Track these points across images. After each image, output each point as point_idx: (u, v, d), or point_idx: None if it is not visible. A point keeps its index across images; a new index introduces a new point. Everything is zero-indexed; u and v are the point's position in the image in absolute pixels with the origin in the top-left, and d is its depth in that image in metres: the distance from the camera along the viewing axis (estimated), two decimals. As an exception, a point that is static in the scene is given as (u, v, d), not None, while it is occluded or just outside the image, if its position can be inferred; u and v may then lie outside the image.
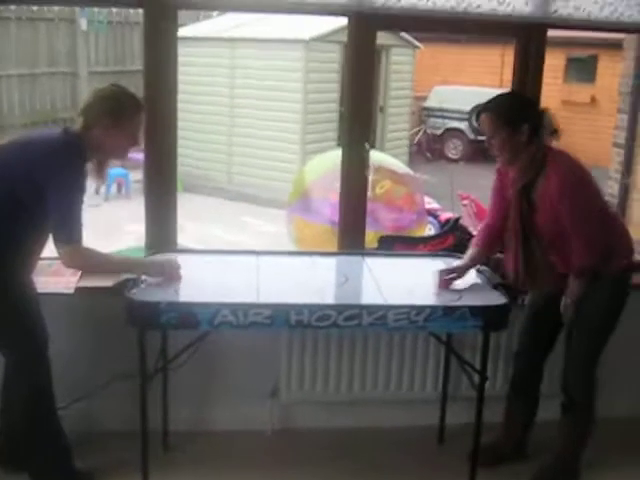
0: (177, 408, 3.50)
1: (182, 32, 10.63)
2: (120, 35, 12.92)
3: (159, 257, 3.19)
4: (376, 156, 9.03)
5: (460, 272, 3.20)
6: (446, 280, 3.13)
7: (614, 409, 3.68)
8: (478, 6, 3.45)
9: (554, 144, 3.10)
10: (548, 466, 3.35)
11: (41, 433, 3.01)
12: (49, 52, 12.23)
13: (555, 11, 3.50)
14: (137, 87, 3.29)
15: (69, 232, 2.77)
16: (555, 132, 3.10)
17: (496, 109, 3.04)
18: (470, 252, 3.31)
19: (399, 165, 8.58)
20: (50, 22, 11.97)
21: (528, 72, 3.63)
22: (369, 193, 3.54)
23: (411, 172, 8.40)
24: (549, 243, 3.20)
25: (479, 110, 3.11)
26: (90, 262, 2.93)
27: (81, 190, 2.81)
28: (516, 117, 3.01)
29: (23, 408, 2.96)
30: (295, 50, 10.43)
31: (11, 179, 2.77)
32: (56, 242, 2.80)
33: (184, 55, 9.41)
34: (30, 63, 11.90)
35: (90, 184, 2.94)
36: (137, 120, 2.94)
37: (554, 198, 2.98)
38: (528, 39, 3.59)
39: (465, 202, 8.17)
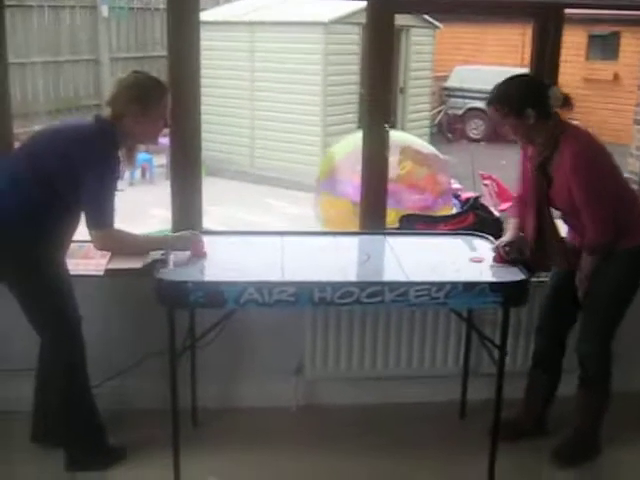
0: (205, 385, 3.59)
1: (202, 16, 10.71)
2: (141, 21, 12.99)
3: (183, 232, 3.24)
4: (401, 136, 9.09)
5: (516, 245, 3.23)
6: (500, 256, 3.17)
7: (631, 383, 3.73)
8: (495, -13, 3.49)
9: (573, 119, 3.14)
10: (568, 440, 3.41)
11: (75, 410, 3.11)
12: (71, 39, 12.32)
13: (571, -10, 3.53)
14: (159, 72, 3.36)
15: (102, 217, 2.87)
16: (565, 103, 3.11)
17: (497, 100, 3.08)
18: (512, 224, 3.36)
19: (424, 145, 8.61)
20: (72, 9, 12.06)
21: (546, 52, 3.65)
22: (391, 174, 3.59)
23: (436, 152, 8.43)
24: (564, 218, 3.26)
25: (486, 103, 3.16)
26: (121, 244, 3.06)
27: (115, 177, 2.90)
28: (518, 104, 3.04)
29: (58, 386, 3.07)
30: (314, 32, 10.44)
31: (45, 167, 2.86)
32: (89, 226, 2.89)
33: (205, 39, 9.49)
34: (53, 51, 12.01)
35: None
36: (164, 103, 2.99)
37: (567, 173, 3.02)
38: (546, 19, 3.60)
39: (486, 182, 8.20)
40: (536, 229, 3.19)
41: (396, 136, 8.76)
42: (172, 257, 3.08)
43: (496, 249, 3.20)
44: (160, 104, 2.97)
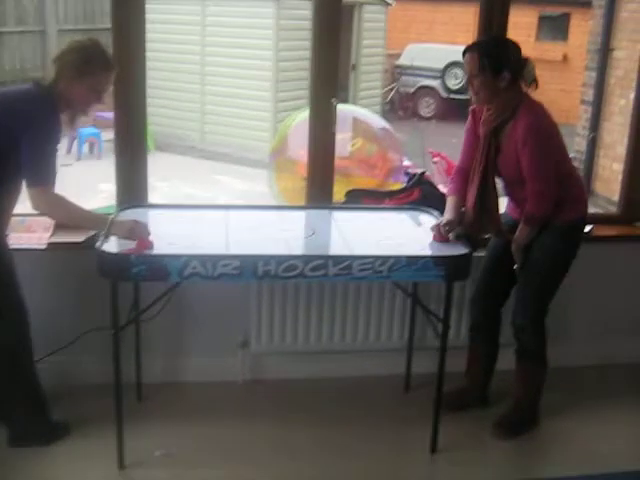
0: (150, 360, 3.58)
1: (152, -11, 10.57)
2: (89, -8, 12.75)
3: (130, 217, 3.12)
4: (353, 109, 9.11)
5: (455, 225, 3.24)
6: (440, 234, 3.18)
7: (565, 358, 3.81)
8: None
9: (531, 94, 3.18)
10: (508, 412, 3.48)
11: (19, 385, 3.08)
12: (17, 10, 12.04)
13: (519, -32, 3.55)
14: (107, 45, 3.29)
15: (41, 174, 2.80)
16: (533, 82, 3.17)
17: (482, 50, 3.10)
18: (451, 202, 3.35)
19: (377, 119, 8.64)
20: (18, -20, 11.78)
21: (492, 31, 3.68)
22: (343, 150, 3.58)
23: (388, 126, 8.48)
24: (508, 187, 3.31)
25: (466, 48, 3.18)
26: (58, 207, 2.92)
27: (54, 139, 2.85)
28: (499, 62, 3.08)
29: (2, 361, 3.02)
30: (266, 7, 10.37)
31: None
32: (28, 185, 2.81)
33: (156, 12, 9.42)
34: (-2, 22, 11.74)
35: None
36: (103, 78, 2.91)
37: (518, 142, 3.08)
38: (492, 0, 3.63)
39: (436, 159, 8.25)
40: (478, 197, 3.22)
41: (349, 109, 8.83)
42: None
43: (436, 228, 3.22)
44: (97, 76, 2.89)
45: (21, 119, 2.79)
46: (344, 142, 7.58)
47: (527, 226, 3.19)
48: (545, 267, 3.26)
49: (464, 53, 3.16)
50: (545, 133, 3.10)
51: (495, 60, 3.07)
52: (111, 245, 2.91)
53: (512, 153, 3.13)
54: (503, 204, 3.40)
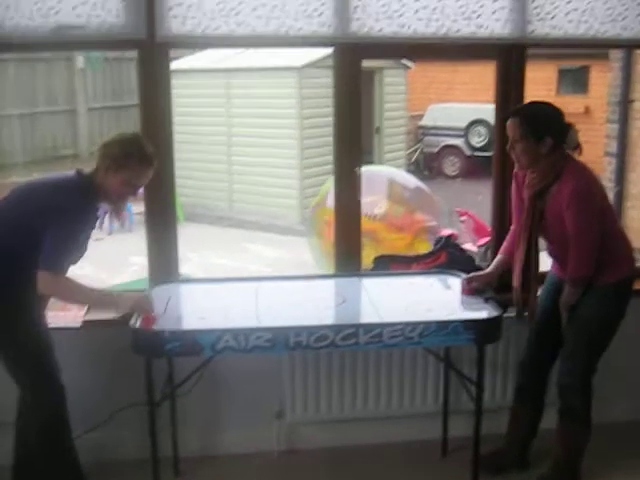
0: (186, 434, 3.59)
1: (178, 64, 10.86)
2: (117, 70, 13.14)
3: (132, 293, 3.23)
4: (387, 170, 9.23)
5: (484, 279, 3.36)
6: (470, 287, 3.30)
7: (611, 415, 3.78)
8: (458, 30, 3.57)
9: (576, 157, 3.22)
10: (548, 474, 3.42)
11: (58, 462, 3.10)
12: (48, 91, 12.42)
13: (532, 31, 3.62)
14: (135, 121, 3.40)
15: (51, 260, 2.84)
16: (577, 147, 3.21)
17: (524, 116, 3.15)
18: (495, 260, 3.46)
19: (411, 179, 8.74)
20: (47, 61, 12.17)
21: (510, 91, 3.74)
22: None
23: (423, 186, 8.58)
24: (552, 248, 3.34)
25: (508, 113, 3.25)
26: (63, 290, 2.96)
27: (80, 228, 2.92)
28: (541, 128, 3.12)
29: (41, 439, 3.05)
30: (289, 77, 10.59)
31: (23, 215, 2.90)
32: (40, 266, 2.85)
33: (181, 87, 9.66)
34: (29, 102, 12.09)
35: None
36: (138, 172, 2.98)
37: (562, 205, 3.10)
38: (508, 59, 3.70)
39: (463, 218, 8.29)
40: (525, 260, 3.26)
41: (384, 170, 8.96)
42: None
43: (463, 281, 3.31)
44: (133, 170, 2.96)
45: (54, 207, 2.87)
46: (376, 203, 7.68)
47: (571, 287, 3.20)
48: (591, 327, 3.24)
49: (506, 119, 3.22)
50: (588, 197, 3.11)
51: (537, 126, 3.11)
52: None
53: (557, 216, 3.15)
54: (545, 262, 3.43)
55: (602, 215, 3.18)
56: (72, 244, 2.90)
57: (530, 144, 3.12)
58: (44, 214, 2.86)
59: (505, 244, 3.48)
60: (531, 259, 3.27)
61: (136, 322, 2.95)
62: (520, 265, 3.28)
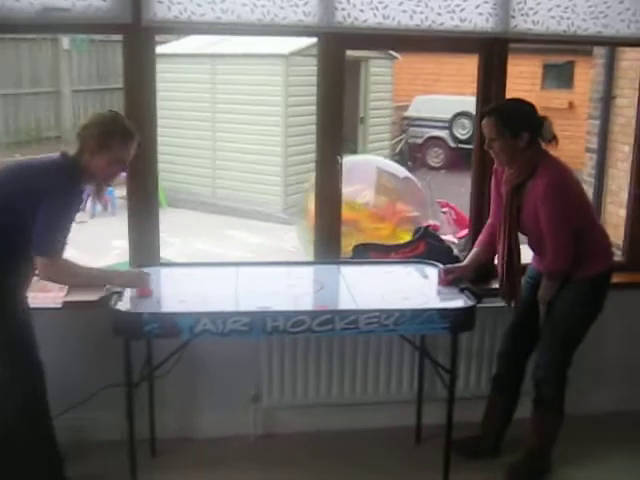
0: (164, 416, 3.63)
1: (164, 49, 10.82)
2: (102, 53, 13.06)
3: (131, 269, 3.31)
4: (376, 160, 9.26)
5: (460, 271, 3.42)
6: (446, 278, 3.35)
7: (586, 406, 3.86)
8: (441, 23, 3.61)
9: (551, 151, 3.26)
10: (520, 461, 3.48)
11: (36, 442, 3.12)
12: (32, 72, 12.34)
13: (515, 26, 3.67)
14: (119, 104, 3.41)
15: (48, 245, 2.87)
16: (553, 139, 3.26)
17: (499, 114, 3.19)
18: (472, 252, 3.52)
19: (399, 169, 8.80)
20: (32, 42, 12.08)
21: (492, 84, 3.78)
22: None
23: (410, 175, 8.65)
24: (531, 242, 3.38)
25: (482, 112, 3.29)
26: (65, 274, 3.01)
27: (70, 211, 2.93)
28: (517, 124, 3.16)
29: (19, 418, 3.07)
30: (275, 64, 10.59)
31: (9, 201, 2.91)
32: (36, 253, 2.89)
33: (166, 72, 9.63)
34: (14, 83, 12.01)
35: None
36: (123, 148, 3.00)
37: (537, 200, 3.15)
38: (490, 53, 3.74)
39: (444, 209, 8.35)
40: (505, 254, 3.31)
41: (372, 159, 8.99)
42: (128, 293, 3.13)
43: (440, 272, 3.39)
44: (118, 147, 2.98)
45: (42, 189, 2.88)
46: (359, 192, 7.73)
47: (548, 281, 3.26)
48: (568, 320, 3.30)
49: (481, 118, 3.27)
50: (563, 191, 3.16)
51: (512, 123, 3.16)
52: (124, 304, 2.99)
53: (532, 210, 3.20)
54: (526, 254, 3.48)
55: (579, 209, 3.22)
56: (65, 226, 2.91)
57: (507, 141, 3.17)
58: (33, 196, 2.87)
59: (481, 237, 3.53)
60: (512, 253, 3.32)
61: (119, 300, 3.00)
62: (502, 259, 3.33)
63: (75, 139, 3.03)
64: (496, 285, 3.48)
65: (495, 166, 3.38)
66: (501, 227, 3.33)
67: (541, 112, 3.29)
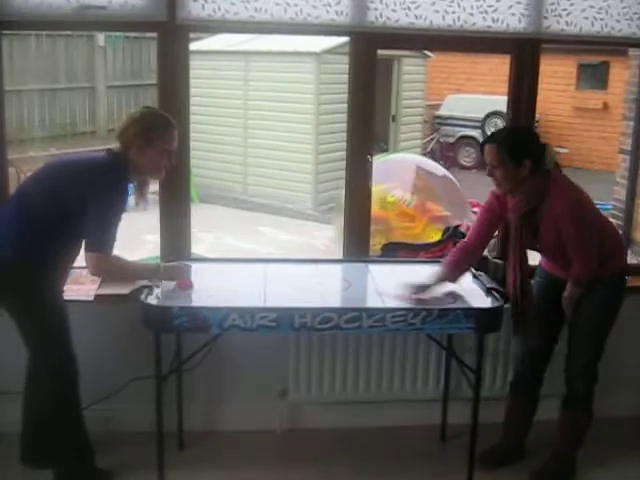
0: (191, 408, 3.68)
1: (198, 46, 10.89)
2: (137, 49, 13.20)
3: (173, 263, 3.37)
4: (416, 158, 9.27)
5: (424, 290, 3.24)
6: (410, 296, 3.18)
7: (609, 409, 3.82)
8: (474, 24, 3.61)
9: (564, 146, 3.27)
10: (545, 465, 3.48)
11: (67, 432, 3.19)
12: (68, 67, 12.49)
13: (548, 27, 3.65)
14: (153, 101, 3.46)
15: (103, 242, 2.96)
16: (555, 166, 3.26)
17: (501, 142, 3.18)
18: (437, 271, 3.36)
19: (438, 167, 8.80)
20: (68, 38, 12.23)
21: (524, 85, 3.78)
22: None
23: (450, 175, 8.65)
24: (549, 257, 3.41)
25: (484, 140, 3.29)
26: (115, 270, 3.14)
27: (120, 208, 3.01)
28: (519, 152, 3.15)
29: (51, 408, 3.14)
30: (307, 62, 10.62)
31: (60, 194, 2.98)
32: (88, 249, 2.98)
33: (199, 68, 9.71)
34: (50, 78, 12.17)
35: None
36: (168, 137, 3.11)
37: (559, 220, 3.16)
38: (523, 54, 3.74)
39: (475, 209, 8.32)
40: (518, 279, 3.30)
41: (412, 158, 9.00)
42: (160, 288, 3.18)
43: (410, 289, 3.21)
44: (164, 137, 3.09)
45: (93, 188, 2.95)
46: (390, 190, 7.74)
47: (576, 287, 3.27)
48: (596, 318, 3.32)
49: (482, 145, 3.26)
50: (581, 208, 3.19)
51: (514, 150, 3.15)
52: (154, 298, 3.04)
53: (552, 230, 3.21)
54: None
55: (598, 219, 3.28)
56: (116, 223, 2.99)
57: (509, 169, 3.15)
58: (83, 193, 2.94)
59: (450, 258, 3.44)
60: (524, 277, 3.32)
61: (150, 294, 3.06)
62: (514, 283, 3.32)
63: (117, 141, 3.09)
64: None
65: (494, 189, 3.34)
66: (512, 253, 3.33)
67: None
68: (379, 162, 8.95)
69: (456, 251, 3.46)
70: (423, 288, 3.24)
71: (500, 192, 3.32)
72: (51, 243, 2.98)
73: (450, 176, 8.63)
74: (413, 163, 8.45)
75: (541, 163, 3.20)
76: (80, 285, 3.51)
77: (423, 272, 3.58)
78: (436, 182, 8.29)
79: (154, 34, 3.59)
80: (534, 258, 3.50)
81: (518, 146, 3.18)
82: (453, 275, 3.36)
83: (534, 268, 3.53)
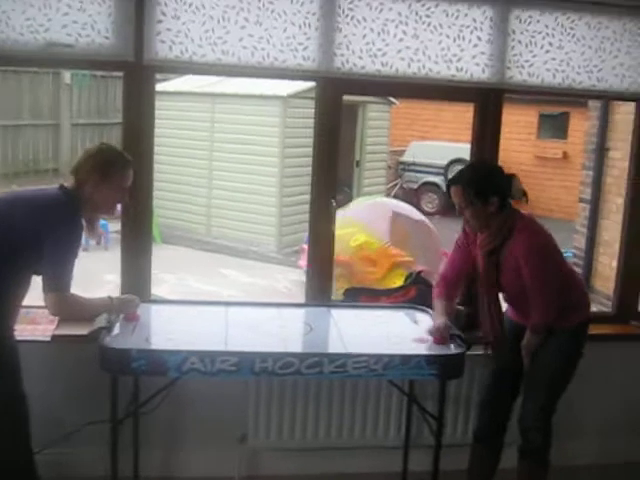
0: (148, 453, 3.60)
1: (164, 86, 10.93)
2: (103, 88, 13.15)
3: (123, 296, 3.35)
4: (393, 203, 9.34)
5: (447, 330, 3.23)
6: (443, 337, 3.19)
7: (567, 457, 3.82)
8: (438, 72, 3.67)
9: (522, 207, 3.28)
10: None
11: (17, 476, 3.08)
12: (33, 104, 12.42)
13: (511, 77, 3.73)
14: (118, 139, 3.45)
15: (60, 281, 2.90)
16: (523, 196, 3.28)
17: (466, 182, 3.19)
18: (440, 306, 3.37)
19: (414, 212, 8.87)
20: (34, 74, 12.17)
21: (486, 134, 3.84)
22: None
23: (426, 219, 8.73)
24: (510, 299, 3.40)
25: (449, 180, 3.30)
26: (73, 309, 3.05)
27: (76, 244, 2.96)
28: (485, 190, 3.17)
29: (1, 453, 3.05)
30: (273, 106, 10.70)
31: (12, 229, 2.90)
32: (46, 290, 2.91)
33: (165, 109, 9.72)
34: (14, 114, 12.08)
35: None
36: (125, 174, 3.09)
37: (518, 260, 3.16)
38: (486, 102, 3.81)
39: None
40: (494, 314, 3.32)
41: (389, 203, 9.08)
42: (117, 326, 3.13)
43: (437, 331, 3.21)
44: (120, 174, 3.07)
45: (47, 224, 2.89)
46: (352, 235, 7.78)
47: (534, 334, 3.26)
48: (552, 369, 3.31)
49: (448, 186, 3.28)
50: (542, 249, 3.19)
51: (480, 189, 3.17)
52: (113, 340, 2.99)
53: (512, 270, 3.21)
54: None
55: (560, 264, 3.29)
56: (72, 261, 2.93)
57: (477, 208, 3.18)
58: (38, 227, 2.88)
59: (440, 289, 3.44)
60: (493, 314, 3.33)
61: (107, 335, 3.00)
62: (491, 321, 3.33)
63: (71, 175, 3.06)
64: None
65: (464, 225, 3.35)
66: (482, 293, 3.34)
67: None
68: (359, 205, 9.04)
69: (440, 282, 3.46)
70: (440, 327, 3.23)
71: (469, 230, 3.33)
72: (1, 278, 2.92)
73: (426, 220, 8.72)
74: (390, 208, 8.52)
75: (508, 196, 3.22)
76: (36, 325, 3.44)
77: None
78: (413, 226, 8.36)
79: (120, 73, 3.59)
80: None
81: (484, 185, 3.19)
82: (450, 306, 3.40)
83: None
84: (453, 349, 3.13)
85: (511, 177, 3.26)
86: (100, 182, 3.01)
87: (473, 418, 3.78)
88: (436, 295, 3.45)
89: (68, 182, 3.07)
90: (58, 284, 2.91)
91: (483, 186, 3.18)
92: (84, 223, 3.08)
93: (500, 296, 3.39)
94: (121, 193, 3.11)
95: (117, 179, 3.06)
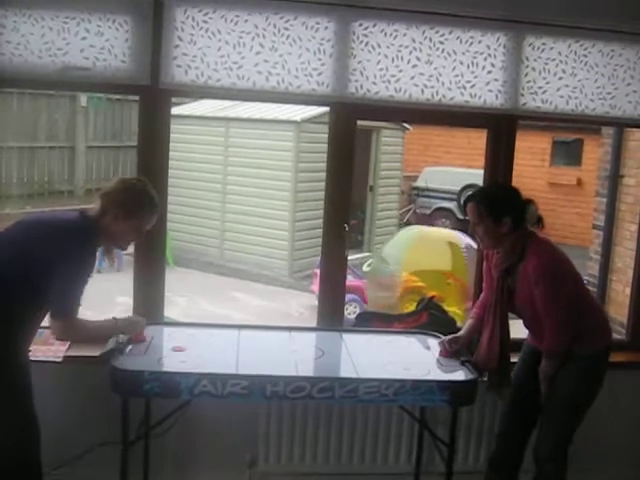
0: (158, 475, 3.59)
1: (180, 110, 11.02)
2: (119, 111, 13.28)
3: (128, 316, 3.34)
4: (443, 232, 9.45)
5: (462, 342, 3.37)
6: (445, 349, 3.33)
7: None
8: (452, 98, 3.69)
9: (539, 232, 3.27)
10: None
11: None
12: (49, 126, 12.54)
13: (524, 104, 3.74)
14: (133, 162, 3.46)
15: (67, 308, 2.90)
16: (539, 222, 3.28)
17: (481, 200, 3.22)
18: (468, 323, 3.47)
19: (463, 238, 8.92)
20: (51, 97, 12.30)
21: (499, 160, 3.84)
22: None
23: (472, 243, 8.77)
24: (528, 323, 3.37)
25: (466, 198, 3.31)
26: (79, 334, 3.07)
27: (87, 272, 2.95)
28: (499, 209, 3.19)
29: (10, 471, 3.02)
30: (287, 130, 10.76)
31: (27, 256, 2.90)
32: (52, 315, 2.92)
33: (182, 132, 9.79)
34: (30, 136, 12.20)
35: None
36: (148, 220, 3.08)
37: (531, 282, 3.14)
38: (499, 129, 3.81)
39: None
40: (494, 339, 3.29)
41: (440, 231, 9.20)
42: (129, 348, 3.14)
43: (442, 343, 3.35)
44: (144, 219, 3.06)
45: (60, 250, 2.89)
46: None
47: (549, 360, 3.23)
48: (570, 397, 3.26)
49: (465, 203, 3.30)
50: (555, 272, 3.17)
51: (494, 208, 3.19)
52: (125, 362, 2.99)
53: (526, 292, 3.20)
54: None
55: (574, 287, 3.23)
56: (81, 288, 2.93)
57: (489, 226, 3.19)
58: (49, 258, 2.87)
59: (476, 310, 3.50)
60: (503, 337, 3.31)
61: (119, 357, 3.01)
62: (489, 342, 3.31)
63: (98, 199, 3.04)
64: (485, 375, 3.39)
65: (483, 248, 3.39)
66: (491, 310, 3.32)
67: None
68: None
69: (479, 305, 3.49)
70: (458, 340, 3.33)
71: (483, 248, 3.35)
72: (16, 303, 2.91)
73: (473, 244, 8.76)
74: (444, 237, 8.89)
75: (522, 220, 3.22)
76: (49, 346, 3.45)
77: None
78: (465, 252, 8.43)
79: (136, 97, 3.63)
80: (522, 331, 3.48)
81: (497, 204, 3.21)
82: (475, 326, 3.44)
83: (520, 342, 3.51)
84: (464, 376, 3.12)
85: (529, 202, 3.27)
86: (121, 219, 3.00)
87: (485, 445, 3.76)
88: (472, 315, 3.51)
89: (95, 203, 3.06)
90: (64, 311, 2.91)
91: (497, 205, 3.20)
92: (101, 249, 3.10)
93: (515, 324, 3.38)
94: (138, 233, 3.10)
95: (139, 222, 3.05)
